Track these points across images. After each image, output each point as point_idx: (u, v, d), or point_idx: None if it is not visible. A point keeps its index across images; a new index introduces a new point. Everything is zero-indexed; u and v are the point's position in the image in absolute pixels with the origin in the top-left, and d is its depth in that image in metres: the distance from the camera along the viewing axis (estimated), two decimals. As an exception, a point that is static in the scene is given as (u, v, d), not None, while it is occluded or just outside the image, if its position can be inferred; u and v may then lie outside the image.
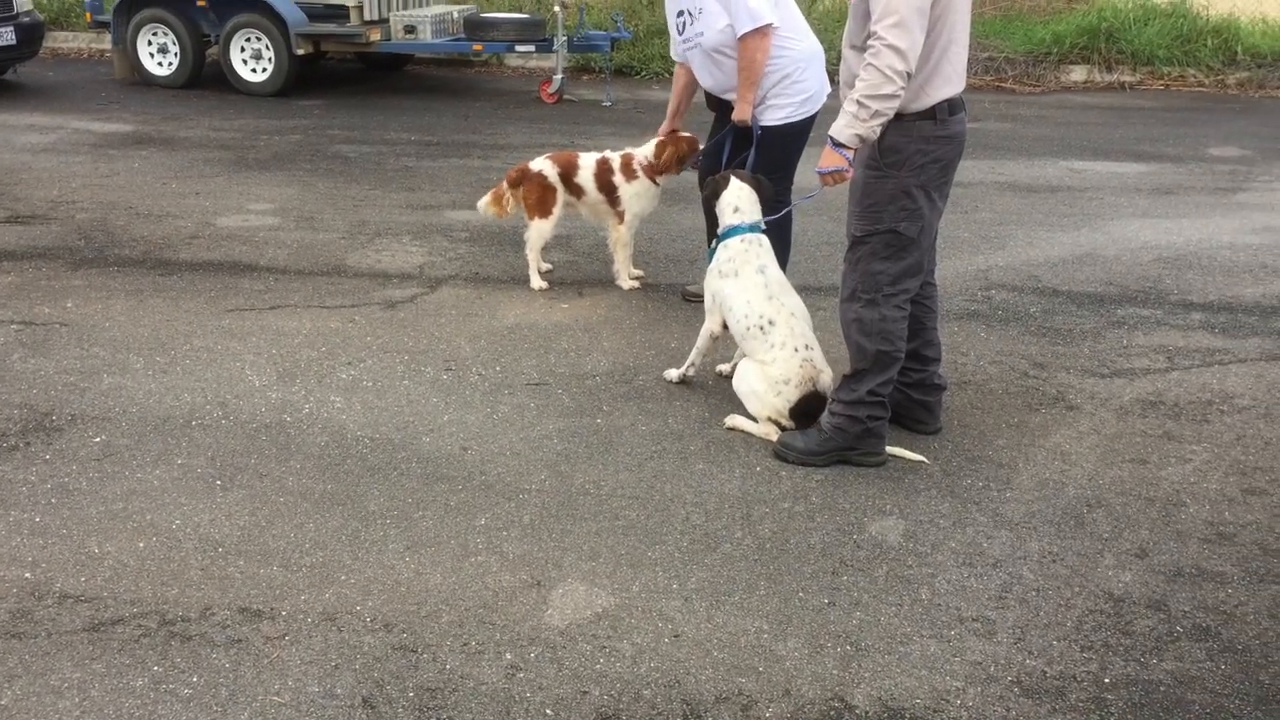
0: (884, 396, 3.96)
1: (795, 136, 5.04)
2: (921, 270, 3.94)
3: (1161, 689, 2.90)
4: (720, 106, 5.23)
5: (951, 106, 3.74)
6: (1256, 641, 3.09)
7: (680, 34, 5.09)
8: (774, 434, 4.16)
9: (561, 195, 5.58)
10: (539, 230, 5.62)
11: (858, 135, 3.63)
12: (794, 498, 3.77)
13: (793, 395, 4.14)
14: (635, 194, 5.51)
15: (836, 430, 3.98)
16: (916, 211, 3.78)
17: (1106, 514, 3.71)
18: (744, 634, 3.08)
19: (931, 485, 3.88)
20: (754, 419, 4.23)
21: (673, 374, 4.64)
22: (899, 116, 3.67)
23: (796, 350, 4.16)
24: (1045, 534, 3.59)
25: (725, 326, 4.41)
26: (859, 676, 2.92)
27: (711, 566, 3.38)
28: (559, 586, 3.27)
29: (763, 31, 4.79)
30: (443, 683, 2.87)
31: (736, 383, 4.28)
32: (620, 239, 5.62)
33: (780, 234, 5.06)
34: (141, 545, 3.43)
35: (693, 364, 4.60)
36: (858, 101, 3.59)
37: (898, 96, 3.58)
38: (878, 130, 3.65)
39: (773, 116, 4.95)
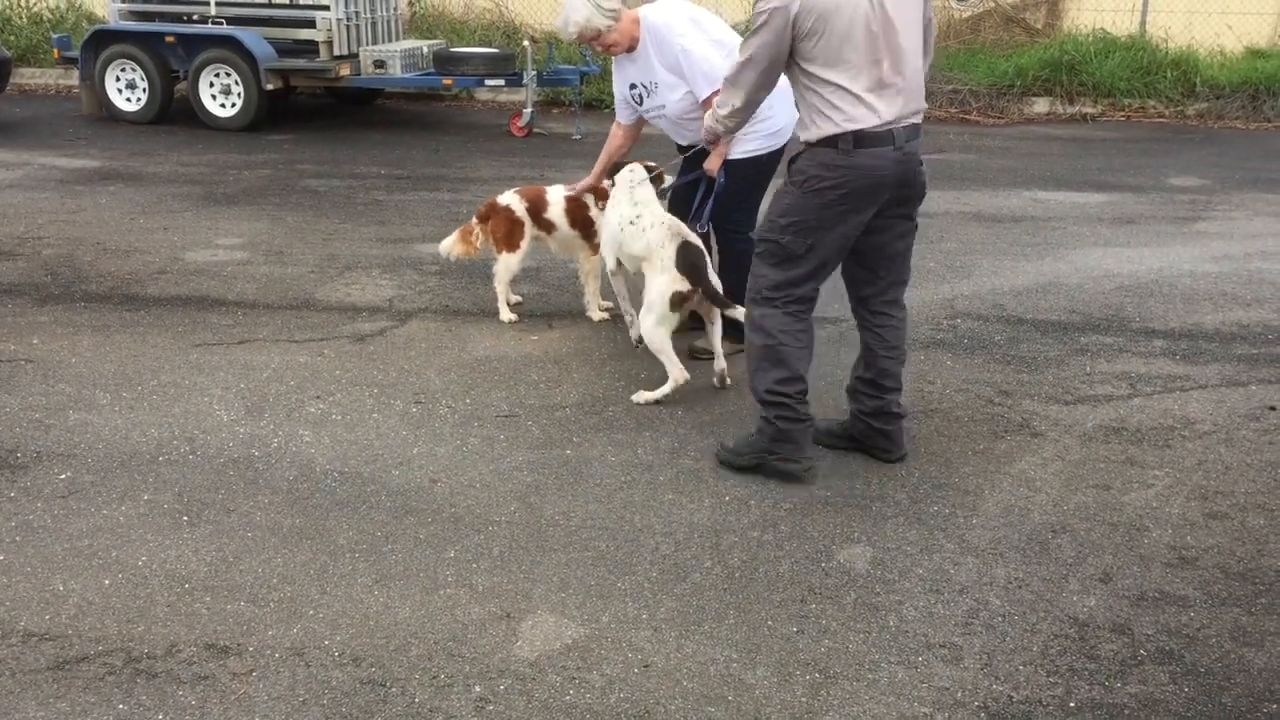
0: (787, 398, 4.04)
1: (761, 170, 5.08)
2: (807, 283, 4.04)
3: (1126, 712, 2.93)
4: (688, 150, 5.26)
5: (858, 139, 3.84)
6: (1219, 664, 3.13)
7: (639, 105, 5.14)
8: (682, 378, 4.65)
9: (529, 229, 5.60)
10: (507, 264, 5.65)
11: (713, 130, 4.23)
12: (763, 527, 3.80)
13: (669, 253, 4.62)
14: None
15: (759, 432, 4.14)
16: (806, 229, 3.93)
17: (1071, 539, 3.75)
18: (713, 663, 3.09)
19: (899, 513, 3.91)
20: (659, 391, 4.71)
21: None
22: (807, 143, 3.96)
23: (659, 223, 4.74)
24: (1011, 560, 3.62)
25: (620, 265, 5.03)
26: (828, 704, 2.94)
27: (681, 596, 3.39)
28: (528, 618, 3.27)
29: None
30: (411, 716, 2.86)
31: (644, 331, 4.72)
32: (593, 270, 5.65)
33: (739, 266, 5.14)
34: (107, 582, 3.40)
35: (631, 317, 5.14)
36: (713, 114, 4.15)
37: (727, 127, 4.15)
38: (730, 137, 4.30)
39: (739, 150, 4.97)
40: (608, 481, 4.09)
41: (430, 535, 3.70)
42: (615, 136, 5.41)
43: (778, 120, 5.00)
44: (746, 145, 4.97)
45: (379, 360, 5.18)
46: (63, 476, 4.05)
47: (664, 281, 4.62)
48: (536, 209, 5.57)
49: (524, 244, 5.61)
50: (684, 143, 5.18)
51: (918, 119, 3.98)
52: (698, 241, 4.67)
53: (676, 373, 4.67)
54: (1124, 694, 3.00)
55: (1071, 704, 2.95)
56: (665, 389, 4.68)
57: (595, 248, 5.55)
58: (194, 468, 4.13)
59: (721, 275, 4.98)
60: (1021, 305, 6.10)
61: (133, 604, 3.30)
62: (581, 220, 5.54)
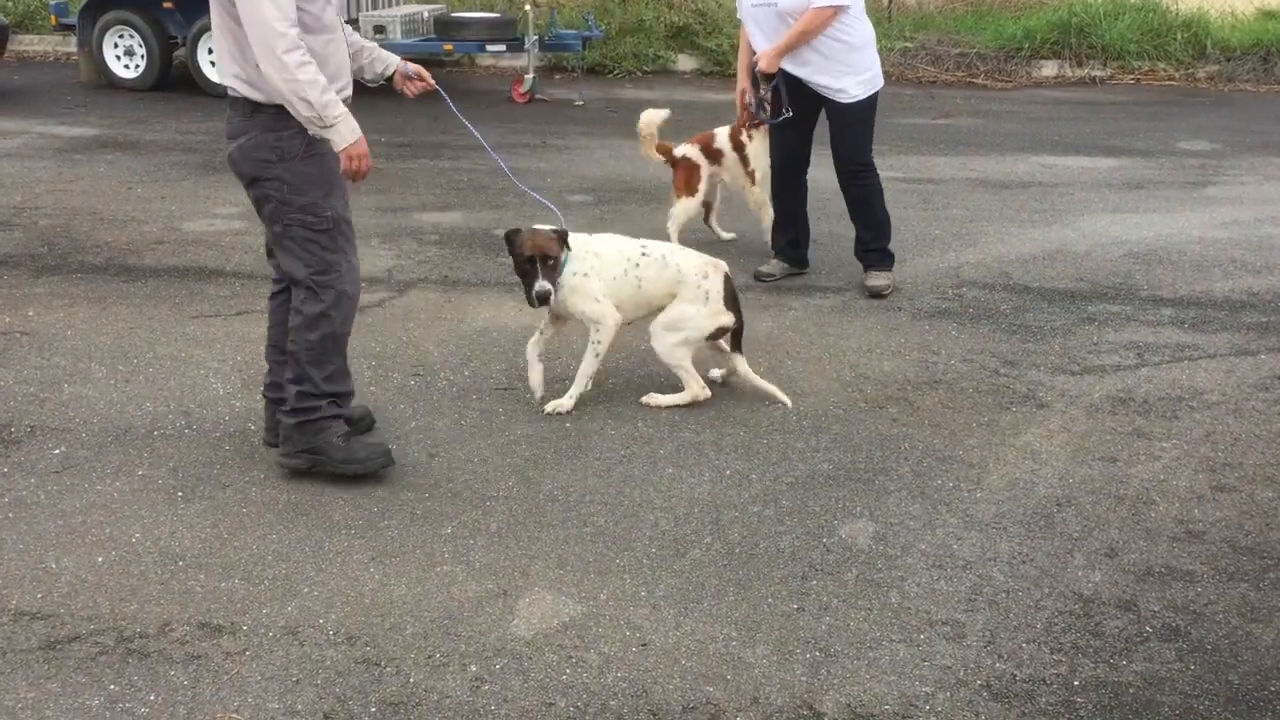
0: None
1: (873, 108, 5.55)
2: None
3: (1131, 690, 2.89)
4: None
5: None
6: (1226, 641, 3.08)
7: None
8: (703, 395, 4.38)
9: (706, 170, 6.10)
10: (685, 207, 6.15)
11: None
12: (763, 502, 3.75)
13: (715, 285, 4.34)
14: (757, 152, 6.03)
15: None
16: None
17: (1076, 513, 3.70)
18: (712, 641, 3.05)
19: (902, 487, 3.86)
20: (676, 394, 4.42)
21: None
22: None
23: (682, 251, 4.52)
24: (1015, 535, 3.57)
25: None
26: (828, 683, 2.90)
27: (680, 573, 3.35)
28: (526, 595, 3.23)
29: (835, 9, 5.18)
30: (406, 696, 2.82)
31: (658, 345, 4.37)
32: (754, 200, 6.18)
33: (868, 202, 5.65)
34: (100, 560, 3.37)
35: (589, 379, 4.43)
36: None
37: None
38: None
39: (854, 94, 5.41)
40: (607, 455, 4.04)
41: (427, 511, 3.66)
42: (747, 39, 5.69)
43: (876, 61, 5.55)
44: (860, 89, 5.43)
45: (377, 331, 5.12)
46: (57, 451, 4.01)
47: (704, 312, 4.31)
48: (707, 146, 6.10)
49: (702, 186, 6.12)
50: (765, 45, 5.38)
51: (233, 92, 3.86)
52: (727, 268, 4.45)
53: (696, 388, 4.37)
54: (1129, 672, 2.95)
55: (1076, 682, 2.91)
56: (680, 399, 4.39)
57: (751, 175, 6.06)
58: (189, 442, 4.09)
59: (854, 216, 5.70)
60: (1028, 273, 6.02)
61: (125, 582, 3.26)
62: (738, 145, 6.03)
